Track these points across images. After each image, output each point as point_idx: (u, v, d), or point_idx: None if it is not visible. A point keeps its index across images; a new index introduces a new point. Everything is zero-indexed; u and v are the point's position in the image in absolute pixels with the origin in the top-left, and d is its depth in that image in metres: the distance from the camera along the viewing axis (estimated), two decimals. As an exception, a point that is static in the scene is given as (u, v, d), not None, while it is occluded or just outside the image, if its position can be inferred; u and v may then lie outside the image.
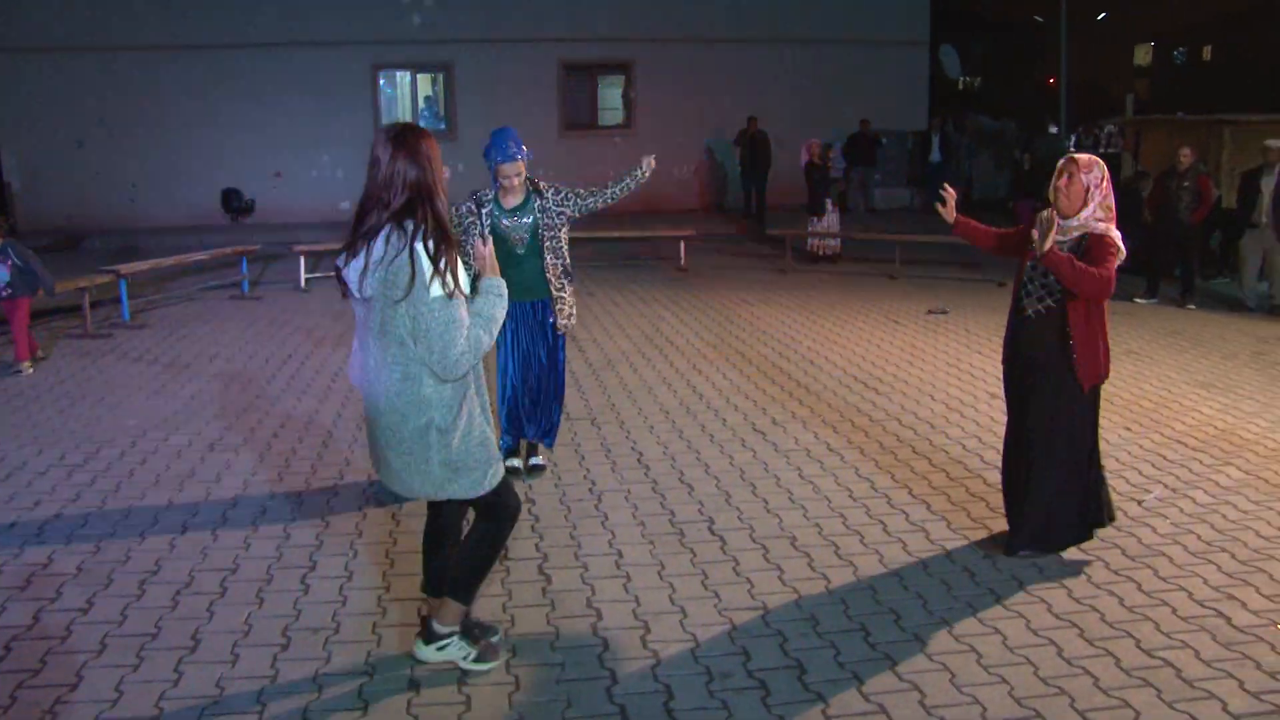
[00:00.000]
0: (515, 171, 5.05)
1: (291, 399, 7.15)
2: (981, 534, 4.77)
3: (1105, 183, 4.22)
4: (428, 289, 3.05)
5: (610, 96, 19.86)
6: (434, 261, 3.06)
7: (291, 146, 18.21)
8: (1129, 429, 6.31)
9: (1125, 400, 6.89)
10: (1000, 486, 4.76)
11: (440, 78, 19.10)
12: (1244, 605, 4.04)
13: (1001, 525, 4.74)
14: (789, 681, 3.53)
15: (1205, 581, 4.25)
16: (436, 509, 3.61)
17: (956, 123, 20.87)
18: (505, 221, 5.17)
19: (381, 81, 18.88)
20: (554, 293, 5.28)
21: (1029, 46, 37.01)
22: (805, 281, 12.38)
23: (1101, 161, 4.27)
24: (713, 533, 4.80)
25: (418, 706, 3.39)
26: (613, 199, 5.36)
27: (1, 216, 11.06)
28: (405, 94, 19.39)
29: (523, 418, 5.48)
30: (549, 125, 18.93)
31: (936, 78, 23.25)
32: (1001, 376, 4.69)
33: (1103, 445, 4.64)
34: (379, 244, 3.12)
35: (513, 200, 5.19)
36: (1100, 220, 4.20)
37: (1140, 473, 5.56)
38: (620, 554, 4.58)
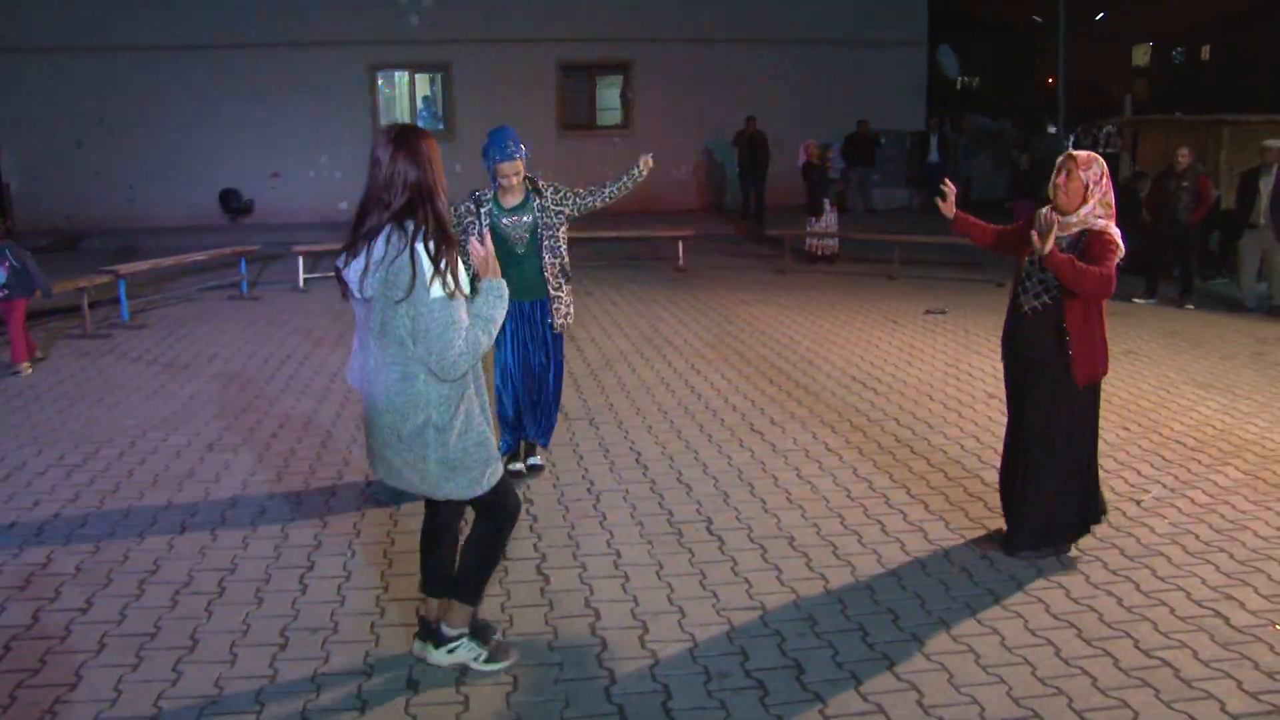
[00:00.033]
0: (514, 170, 5.05)
1: (290, 399, 7.15)
2: (980, 534, 4.77)
3: (1105, 179, 4.22)
4: (428, 289, 3.05)
5: (608, 97, 19.86)
6: (434, 262, 3.06)
7: (290, 147, 18.20)
8: (1127, 429, 6.32)
9: (1124, 400, 6.90)
10: (998, 486, 4.76)
11: (438, 78, 19.09)
12: (1242, 605, 4.04)
13: (1000, 525, 4.74)
14: (787, 681, 3.53)
15: (1204, 582, 4.26)
16: (434, 508, 3.61)
17: (955, 123, 20.87)
18: (504, 221, 5.17)
19: (380, 82, 18.87)
20: (551, 292, 5.28)
21: (1027, 47, 37.01)
22: (804, 282, 12.38)
23: (1100, 158, 4.28)
24: (711, 533, 4.81)
25: (416, 706, 3.39)
26: (611, 198, 5.37)
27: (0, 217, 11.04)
28: (403, 94, 19.39)
29: (524, 418, 5.48)
30: (547, 125, 18.93)
31: (935, 78, 23.27)
32: (1002, 375, 4.69)
33: (1101, 445, 4.64)
34: (379, 244, 3.12)
35: (512, 199, 5.19)
36: (1100, 217, 4.20)
37: (1139, 473, 5.56)
38: (618, 554, 4.58)
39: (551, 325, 5.35)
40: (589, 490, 5.37)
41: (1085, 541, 4.60)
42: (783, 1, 19.43)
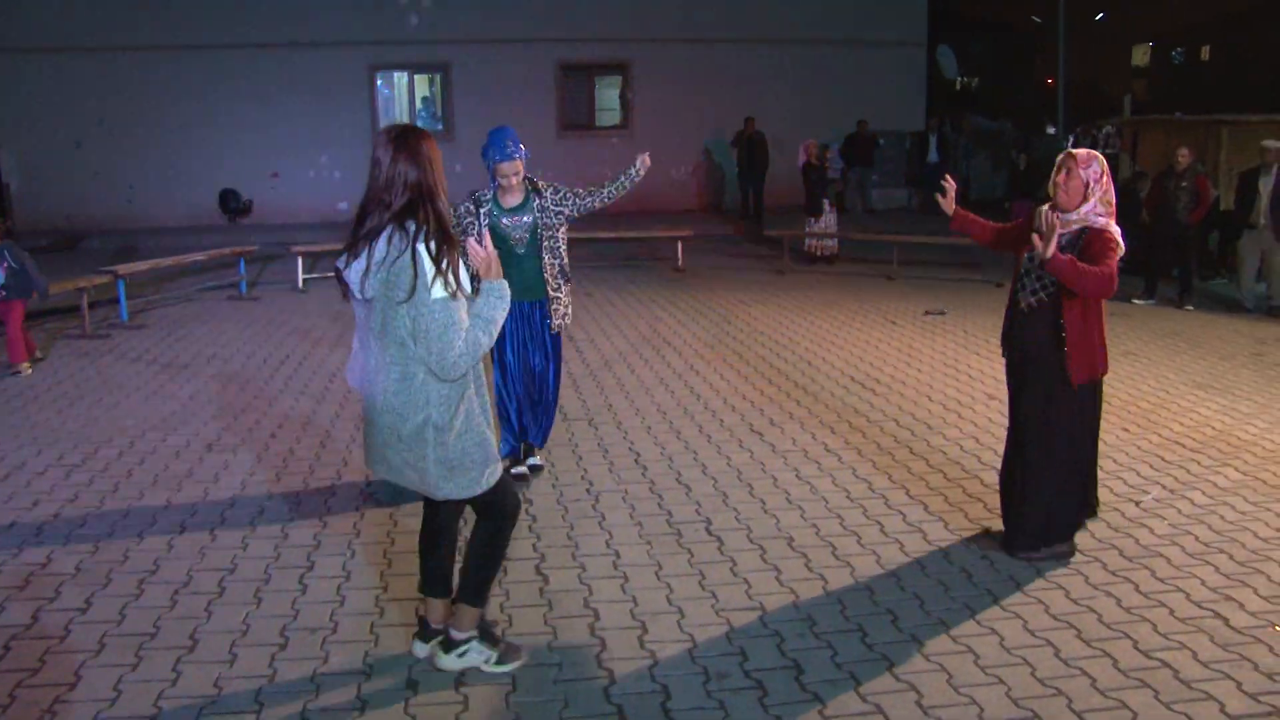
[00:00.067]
0: (514, 170, 5.04)
1: (289, 399, 7.15)
2: (979, 535, 4.77)
3: (1105, 177, 4.22)
4: (429, 290, 3.05)
5: (608, 97, 19.87)
6: (436, 262, 3.06)
7: (289, 147, 18.21)
8: (1126, 430, 6.32)
9: (1123, 401, 6.90)
10: (999, 485, 4.76)
11: (438, 78, 19.10)
12: (1242, 606, 4.04)
13: (999, 524, 4.74)
14: (786, 682, 3.53)
15: (1203, 583, 4.26)
16: (433, 508, 3.61)
17: (954, 123, 20.88)
18: (505, 221, 5.17)
19: (379, 82, 18.88)
20: (551, 293, 5.28)
21: (1027, 47, 37.01)
22: (803, 282, 12.38)
23: (1101, 156, 4.28)
24: (710, 533, 4.81)
25: (415, 706, 3.39)
26: (609, 198, 5.37)
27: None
28: (403, 94, 19.40)
29: (527, 419, 5.47)
30: (546, 126, 18.93)
31: (934, 78, 23.27)
32: (1003, 374, 4.70)
33: (1100, 446, 4.64)
34: (380, 245, 3.12)
35: (512, 200, 5.19)
36: (1101, 215, 4.20)
37: (1138, 474, 5.56)
38: (618, 554, 4.58)
39: (550, 326, 5.35)
40: (588, 491, 5.37)
41: (1085, 542, 4.61)
42: (782, 2, 19.44)
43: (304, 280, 12.05)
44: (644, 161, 5.41)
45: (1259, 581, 4.26)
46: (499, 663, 3.56)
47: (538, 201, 5.20)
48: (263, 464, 5.80)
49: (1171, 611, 4.01)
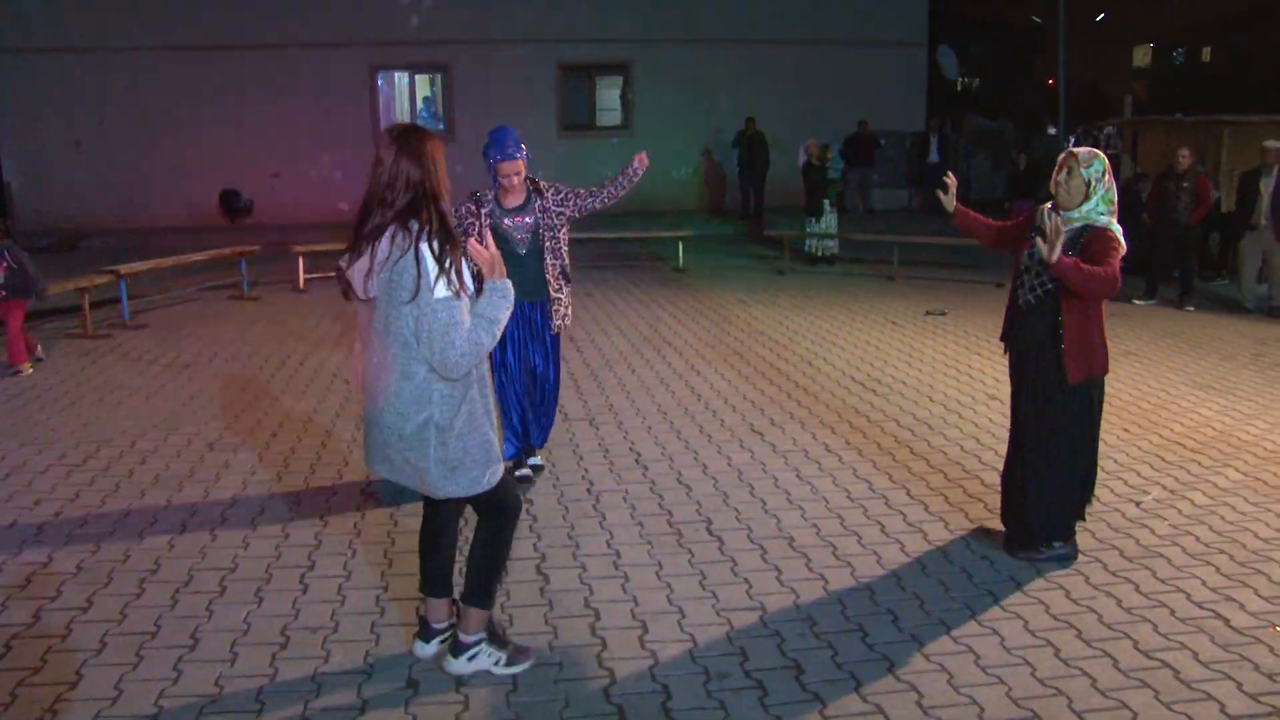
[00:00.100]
0: (515, 170, 5.04)
1: (290, 399, 7.16)
2: (980, 535, 4.77)
3: (1107, 176, 4.22)
4: (432, 290, 3.05)
5: (608, 97, 19.87)
6: (439, 262, 3.06)
7: (290, 147, 18.22)
8: (1127, 430, 6.32)
9: (1124, 402, 6.90)
10: (1000, 485, 4.76)
11: (439, 78, 19.11)
12: (1242, 607, 4.04)
13: (1000, 524, 4.74)
14: (787, 682, 3.53)
15: (1203, 583, 4.26)
16: (433, 508, 3.61)
17: (955, 124, 20.88)
18: (506, 221, 5.16)
19: (380, 82, 18.89)
20: (552, 294, 5.27)
21: (1027, 47, 37.03)
22: (803, 282, 12.38)
23: (1103, 155, 4.27)
24: (711, 533, 4.81)
25: (416, 706, 3.39)
26: (610, 199, 5.36)
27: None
28: (404, 95, 19.41)
29: (530, 422, 5.46)
30: (547, 126, 18.94)
31: (934, 79, 23.27)
32: (1005, 374, 4.70)
33: (1101, 446, 4.64)
34: (384, 244, 3.13)
35: (513, 200, 5.18)
36: (1103, 214, 4.20)
37: (1139, 474, 5.56)
38: (618, 554, 4.58)
39: (551, 327, 5.34)
40: (589, 490, 5.37)
41: (1085, 543, 4.61)
42: (783, 2, 19.45)
43: (305, 280, 12.06)
44: (641, 161, 5.41)
45: (1259, 582, 4.26)
46: (508, 664, 3.56)
47: (539, 202, 5.19)
48: (264, 463, 5.80)
49: (1172, 612, 4.02)
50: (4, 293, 7.85)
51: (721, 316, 10.14)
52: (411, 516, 4.91)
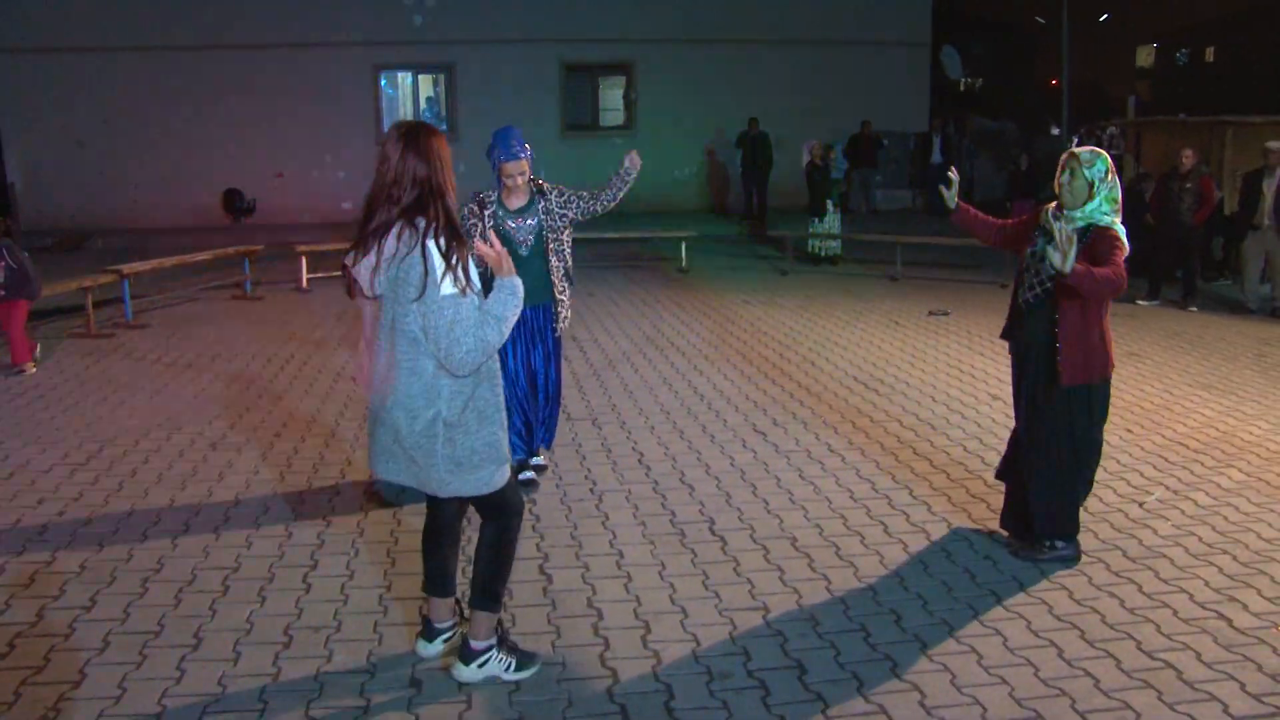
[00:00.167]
0: (519, 170, 5.02)
1: (294, 398, 7.16)
2: (982, 536, 4.77)
3: (1110, 175, 4.20)
4: (439, 286, 3.05)
5: (611, 97, 19.88)
6: (445, 259, 3.06)
7: (293, 147, 18.24)
8: (1130, 431, 6.32)
9: (1127, 402, 6.90)
10: (1004, 487, 4.76)
11: (442, 78, 19.12)
12: (1245, 607, 4.04)
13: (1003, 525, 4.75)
14: (789, 682, 3.53)
15: (1206, 584, 4.25)
16: (436, 508, 3.60)
17: (958, 124, 20.87)
18: (510, 223, 5.14)
19: (383, 82, 18.90)
20: (556, 295, 5.26)
21: (1030, 48, 37.01)
22: (806, 283, 12.38)
23: (1105, 154, 4.26)
24: (713, 533, 4.81)
25: (419, 705, 3.39)
26: (611, 201, 5.32)
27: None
28: (407, 95, 19.42)
29: (534, 424, 5.45)
30: (550, 126, 18.95)
31: (938, 79, 23.26)
32: (1007, 375, 4.70)
33: (1104, 447, 4.63)
34: (390, 241, 3.12)
35: (517, 201, 5.17)
36: (1106, 214, 4.18)
37: (1141, 474, 5.56)
38: (621, 554, 4.58)
39: (555, 329, 5.32)
40: (592, 490, 5.37)
41: (1088, 543, 4.60)
42: (786, 2, 19.45)
43: (308, 280, 12.07)
44: (633, 160, 5.35)
45: (1262, 582, 4.26)
46: (518, 669, 3.54)
47: (542, 204, 5.18)
48: (267, 463, 5.81)
49: (1175, 612, 4.01)
50: (3, 292, 7.84)
51: (724, 316, 10.14)
52: (414, 516, 4.92)
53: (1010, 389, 4.70)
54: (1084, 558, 4.49)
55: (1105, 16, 38.07)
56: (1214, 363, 8.14)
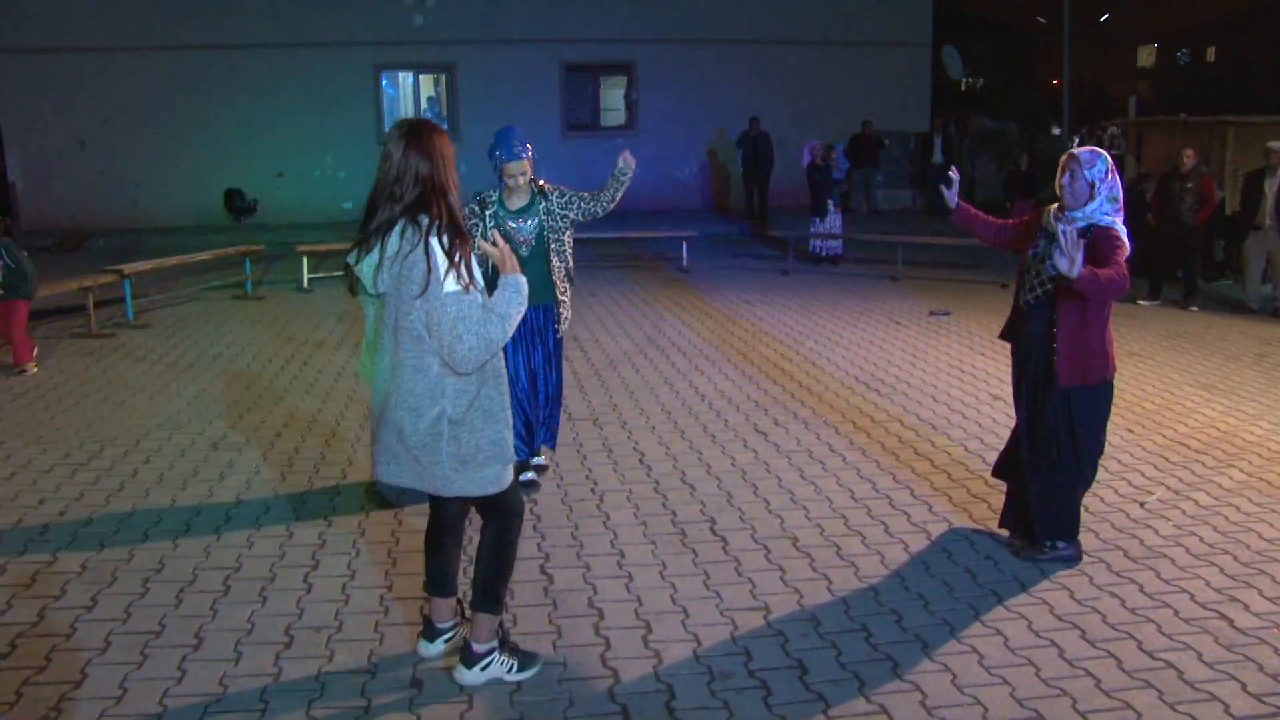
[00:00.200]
0: (520, 170, 5.02)
1: (294, 399, 7.17)
2: (984, 536, 4.77)
3: (1111, 174, 4.20)
4: (442, 284, 3.05)
5: (612, 97, 19.88)
6: (448, 256, 3.06)
7: (294, 147, 18.25)
8: (1131, 431, 6.31)
9: (1128, 402, 6.89)
10: (1006, 487, 4.76)
11: (443, 78, 19.12)
12: (1246, 608, 4.04)
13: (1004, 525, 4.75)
14: (790, 681, 3.53)
15: (1207, 584, 4.25)
16: (440, 508, 3.60)
17: (959, 124, 20.86)
18: (510, 223, 5.13)
19: (384, 82, 18.91)
20: (558, 296, 5.26)
21: (1031, 48, 37.01)
22: (807, 282, 12.38)
23: (1105, 153, 4.25)
24: (714, 533, 4.81)
25: (420, 705, 3.39)
26: (610, 202, 5.30)
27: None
28: (408, 94, 19.43)
29: (535, 425, 5.45)
30: (551, 126, 18.95)
31: (939, 79, 23.26)
32: (1008, 376, 4.70)
33: (1105, 447, 4.63)
34: (393, 239, 3.12)
35: (518, 201, 5.16)
36: (1107, 214, 4.18)
37: (1143, 475, 5.56)
38: (622, 554, 4.58)
39: (557, 330, 5.32)
40: (593, 490, 5.37)
41: (1089, 543, 4.60)
42: (787, 2, 19.45)
43: (309, 280, 12.07)
44: (626, 159, 5.31)
45: (1264, 582, 4.25)
46: (520, 670, 3.54)
47: (543, 204, 5.17)
48: (268, 463, 5.81)
49: (1176, 612, 4.01)
50: (1, 291, 7.81)
51: (725, 316, 10.14)
52: (415, 516, 4.92)
53: (1011, 388, 4.70)
54: (1085, 558, 4.49)
55: (1106, 16, 38.07)
56: (1215, 363, 8.14)
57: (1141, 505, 5.12)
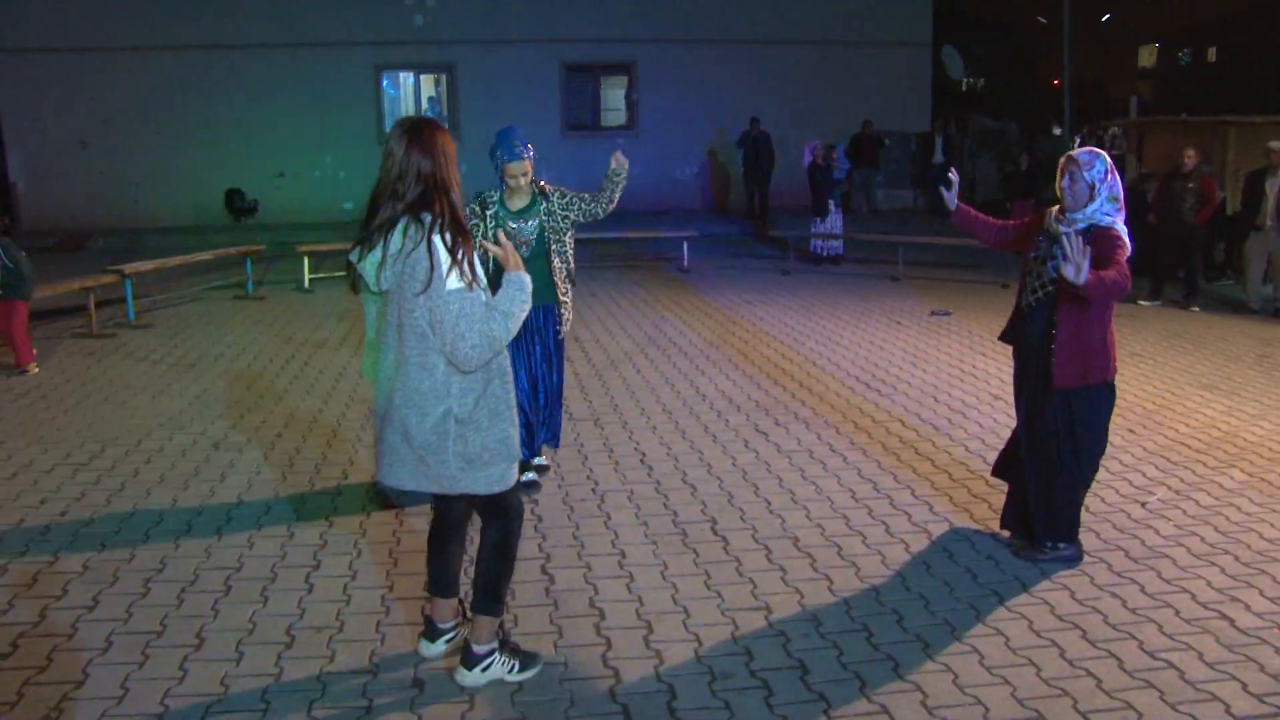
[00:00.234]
0: (522, 171, 5.02)
1: (296, 399, 7.17)
2: (985, 536, 4.77)
3: (1110, 174, 4.19)
4: (444, 281, 3.05)
5: (613, 97, 19.88)
6: (451, 253, 3.06)
7: (295, 147, 18.26)
8: (1132, 431, 6.31)
9: (1129, 402, 6.89)
10: (1007, 488, 4.76)
11: (443, 78, 19.13)
12: (1247, 608, 4.04)
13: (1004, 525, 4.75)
14: (792, 682, 3.53)
15: (1208, 584, 4.25)
16: (443, 509, 3.60)
17: (959, 124, 20.85)
18: (511, 224, 5.13)
19: (385, 82, 18.91)
20: (560, 297, 5.25)
21: (1032, 48, 37.01)
22: (808, 283, 12.38)
23: (1103, 153, 4.25)
24: (715, 533, 4.81)
25: (421, 705, 3.39)
26: (609, 203, 5.28)
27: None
28: (408, 95, 19.43)
29: (535, 426, 5.45)
30: (552, 126, 18.95)
31: (939, 79, 23.27)
32: (1009, 376, 4.70)
33: (1106, 448, 4.63)
34: (396, 236, 3.12)
35: (519, 202, 5.16)
36: (1107, 214, 4.18)
37: (1144, 475, 5.56)
38: (623, 554, 4.58)
39: (558, 331, 5.32)
40: (594, 490, 5.37)
41: (1091, 543, 4.60)
42: (788, 2, 19.45)
43: (310, 280, 12.08)
44: (619, 160, 5.27)
45: (1265, 583, 4.25)
46: (521, 670, 3.54)
47: (544, 205, 5.17)
48: (269, 463, 5.81)
49: (1177, 612, 4.01)
50: (0, 292, 7.79)
51: (726, 317, 10.14)
52: (416, 517, 4.93)
53: (1012, 389, 4.70)
54: (1086, 558, 4.48)
55: (1107, 16, 38.06)
56: (1216, 363, 8.14)
57: (1143, 505, 5.12)
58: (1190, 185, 10.55)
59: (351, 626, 3.91)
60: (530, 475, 5.41)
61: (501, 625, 3.60)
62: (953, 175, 4.70)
